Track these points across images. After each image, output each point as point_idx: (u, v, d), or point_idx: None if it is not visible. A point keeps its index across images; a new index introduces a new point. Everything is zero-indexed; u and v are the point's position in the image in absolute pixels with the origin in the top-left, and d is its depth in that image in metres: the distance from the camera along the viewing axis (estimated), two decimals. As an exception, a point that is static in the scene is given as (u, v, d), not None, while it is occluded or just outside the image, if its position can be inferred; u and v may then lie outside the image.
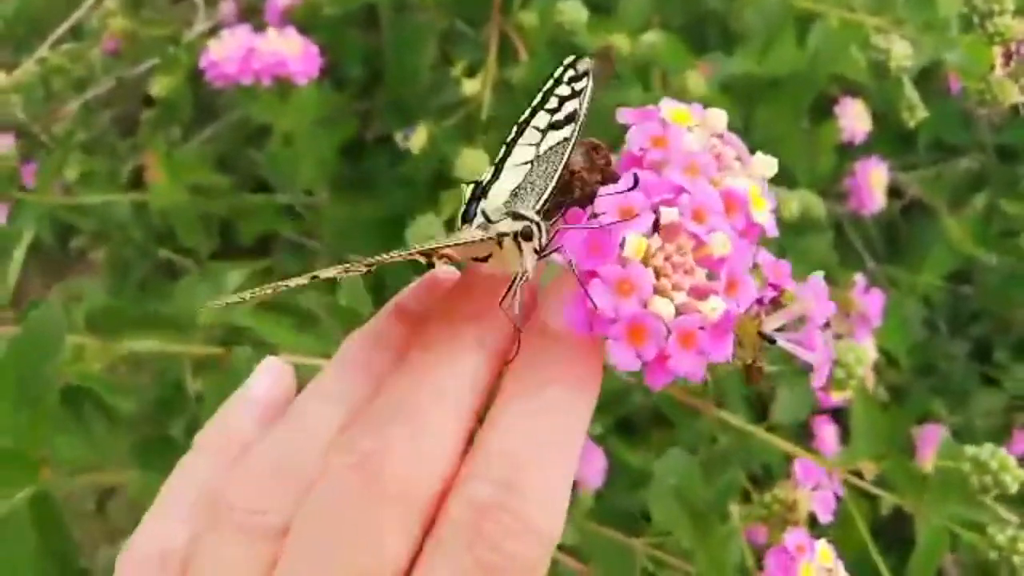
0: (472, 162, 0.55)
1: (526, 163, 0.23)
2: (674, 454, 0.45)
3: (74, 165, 0.78)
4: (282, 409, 0.23)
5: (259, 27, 0.67)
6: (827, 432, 0.73)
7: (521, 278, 0.20)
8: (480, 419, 0.20)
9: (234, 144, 0.86)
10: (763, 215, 0.21)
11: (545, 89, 0.24)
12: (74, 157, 0.78)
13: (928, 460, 0.64)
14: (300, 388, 0.24)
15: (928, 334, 0.88)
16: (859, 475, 0.45)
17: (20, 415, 0.40)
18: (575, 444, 0.20)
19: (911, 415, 0.80)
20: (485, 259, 0.22)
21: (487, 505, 0.18)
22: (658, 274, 0.20)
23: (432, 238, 0.22)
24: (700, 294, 0.20)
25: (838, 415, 0.73)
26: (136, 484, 0.48)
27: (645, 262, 0.20)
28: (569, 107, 0.24)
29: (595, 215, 0.20)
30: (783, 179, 0.72)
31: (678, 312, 0.20)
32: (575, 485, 0.25)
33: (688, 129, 0.22)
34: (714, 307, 0.20)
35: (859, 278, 0.69)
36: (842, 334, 0.66)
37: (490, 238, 0.21)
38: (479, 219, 0.22)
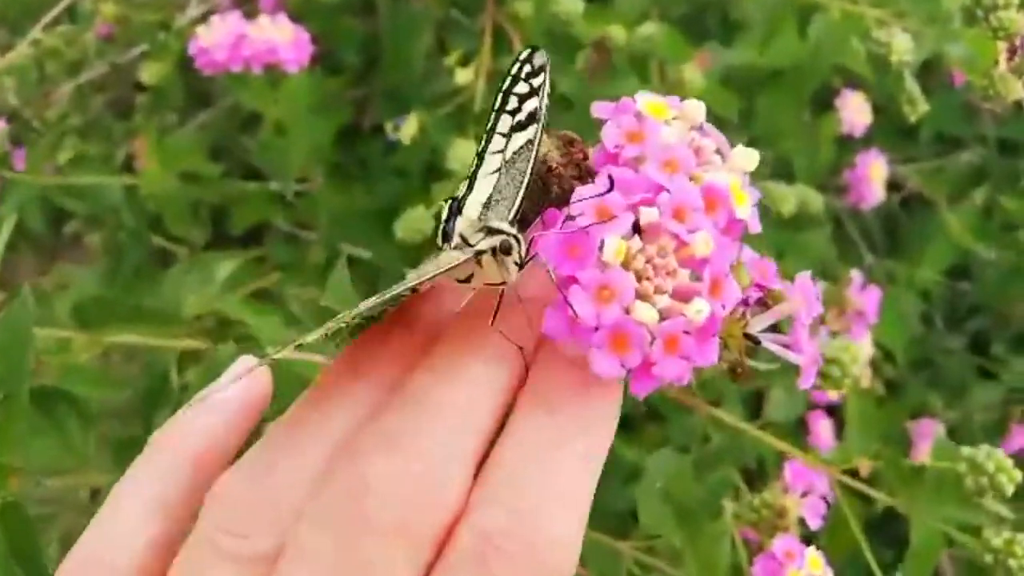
0: (464, 153, 0.55)
1: (495, 171, 0.22)
2: (664, 455, 0.44)
3: (67, 148, 0.77)
4: (255, 412, 0.23)
5: (253, 14, 0.66)
6: (822, 426, 0.73)
7: (509, 292, 0.20)
8: (492, 442, 0.19)
9: (227, 131, 0.85)
10: (745, 210, 0.20)
11: (504, 89, 0.23)
12: (68, 140, 0.77)
13: (924, 455, 0.63)
14: (276, 386, 0.24)
15: (924, 329, 0.87)
16: (853, 474, 0.45)
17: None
18: (592, 472, 0.19)
19: (906, 410, 0.79)
20: (468, 279, 0.21)
21: (496, 532, 0.18)
22: (639, 277, 0.19)
23: (404, 278, 0.21)
24: (684, 296, 0.19)
25: (833, 409, 0.72)
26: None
27: (626, 265, 0.19)
28: (529, 106, 0.23)
29: (571, 217, 0.19)
30: (782, 172, 0.72)
31: (662, 316, 0.19)
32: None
33: (666, 122, 0.21)
34: (699, 310, 0.19)
35: (856, 275, 0.68)
36: (838, 331, 0.65)
37: (468, 259, 0.20)
38: (456, 239, 0.21)
